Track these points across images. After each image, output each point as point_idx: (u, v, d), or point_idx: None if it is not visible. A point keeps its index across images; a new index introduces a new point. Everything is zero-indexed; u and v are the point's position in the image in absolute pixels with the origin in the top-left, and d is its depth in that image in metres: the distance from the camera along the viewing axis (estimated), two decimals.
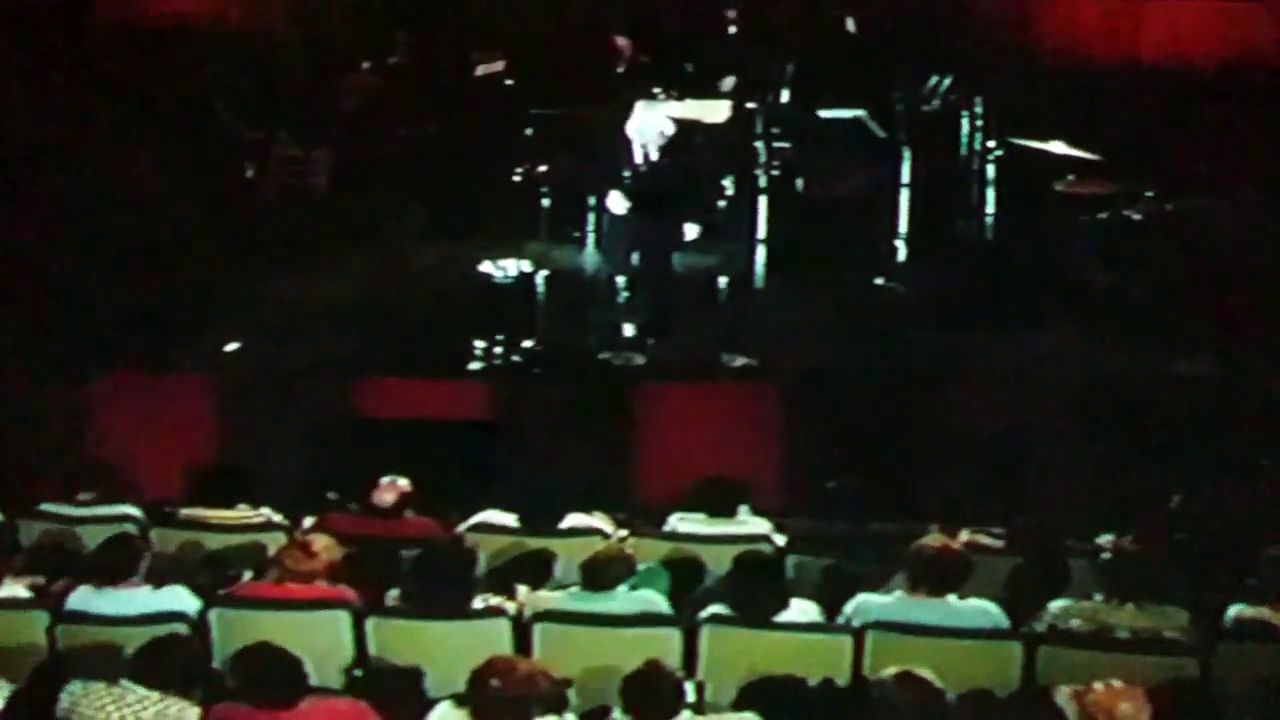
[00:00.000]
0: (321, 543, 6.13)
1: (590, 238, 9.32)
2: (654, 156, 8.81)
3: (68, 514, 6.91)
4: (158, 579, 6.05)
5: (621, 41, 10.34)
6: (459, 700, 5.10)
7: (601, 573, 6.02)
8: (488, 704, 4.93)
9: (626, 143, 8.87)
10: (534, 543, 6.71)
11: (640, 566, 6.25)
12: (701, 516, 6.91)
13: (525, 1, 10.01)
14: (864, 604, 5.98)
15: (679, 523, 6.95)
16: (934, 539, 6.11)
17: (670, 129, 8.96)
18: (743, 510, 6.99)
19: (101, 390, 8.58)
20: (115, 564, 6.02)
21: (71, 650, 5.76)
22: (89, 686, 5.07)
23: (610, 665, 5.54)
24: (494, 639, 5.84)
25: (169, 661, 5.17)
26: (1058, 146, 9.52)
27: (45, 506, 7.00)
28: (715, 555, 6.54)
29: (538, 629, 5.88)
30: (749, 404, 8.55)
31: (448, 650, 5.78)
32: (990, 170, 9.85)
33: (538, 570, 6.43)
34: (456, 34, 10.38)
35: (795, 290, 9.34)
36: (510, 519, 6.93)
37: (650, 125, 8.81)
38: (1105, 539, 6.73)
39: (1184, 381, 8.32)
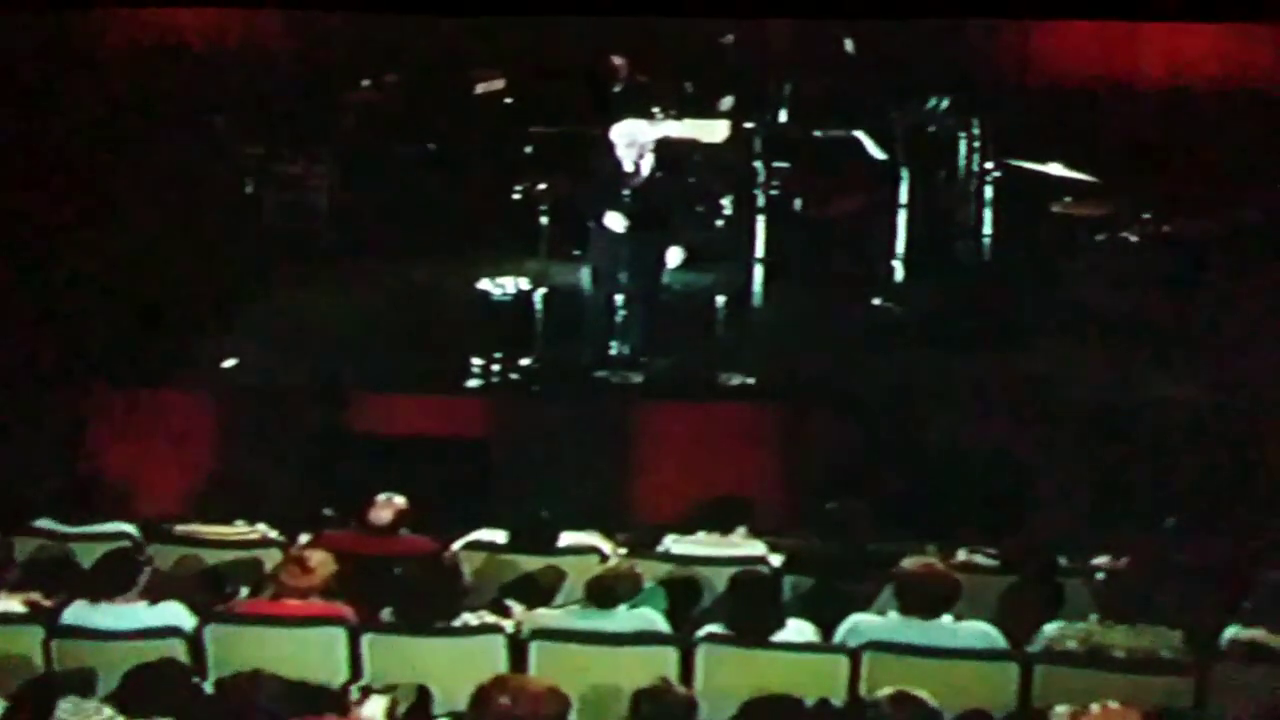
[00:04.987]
0: (318, 558, 6.13)
1: (589, 256, 9.32)
2: (645, 173, 8.82)
3: (63, 530, 6.91)
4: (154, 595, 6.05)
5: (618, 61, 10.37)
6: (460, 718, 5.08)
7: (608, 590, 6.02)
8: None
9: (623, 160, 8.88)
10: (529, 561, 6.71)
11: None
12: (696, 537, 6.89)
13: (524, 20, 10.02)
14: (859, 624, 5.98)
15: (673, 544, 6.93)
16: (916, 561, 6.10)
17: (653, 142, 8.98)
18: (739, 531, 6.99)
19: (98, 406, 8.57)
20: (114, 578, 6.01)
21: (66, 666, 5.75)
22: (81, 705, 5.05)
23: (606, 684, 5.55)
24: (489, 657, 5.83)
25: (157, 689, 5.13)
26: (1055, 168, 9.54)
27: (41, 522, 6.99)
28: (712, 576, 6.54)
29: (534, 646, 5.88)
30: (746, 423, 8.55)
31: (443, 668, 5.77)
32: (988, 191, 9.86)
33: (543, 591, 6.43)
34: (456, 52, 10.39)
35: (793, 309, 9.35)
36: (504, 537, 6.93)
37: (637, 140, 8.82)
38: (1101, 559, 6.73)
39: (1180, 402, 8.33)
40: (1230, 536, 6.96)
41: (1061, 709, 4.92)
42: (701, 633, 5.93)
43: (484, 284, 8.99)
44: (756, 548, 6.89)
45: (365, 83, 10.52)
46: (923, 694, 4.91)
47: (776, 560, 6.80)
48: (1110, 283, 9.24)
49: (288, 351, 8.89)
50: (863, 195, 9.91)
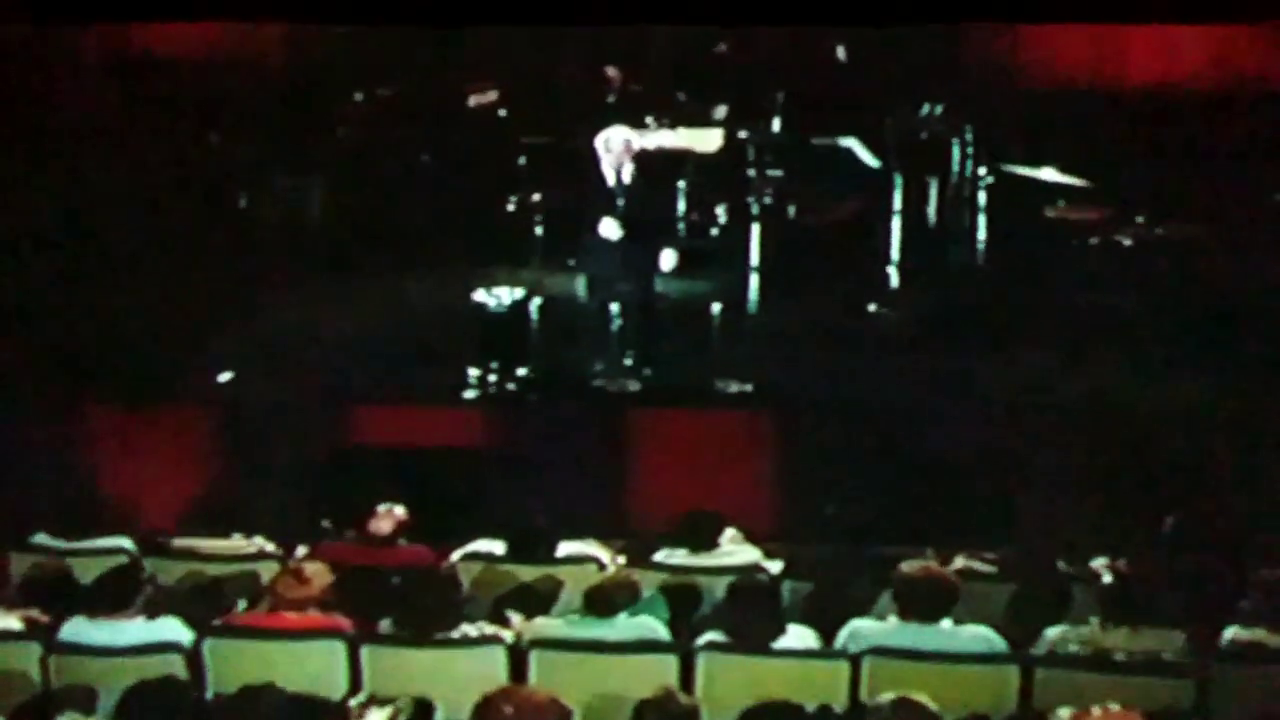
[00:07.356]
0: (313, 569, 6.13)
1: (584, 265, 9.32)
2: (639, 181, 8.82)
3: (60, 546, 6.89)
4: (151, 610, 6.03)
5: (612, 71, 10.38)
6: None
7: (606, 599, 6.01)
8: None
9: (618, 169, 8.87)
10: (528, 571, 6.70)
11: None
12: (684, 552, 6.87)
13: (518, 32, 10.03)
14: (859, 629, 5.97)
15: (666, 559, 6.90)
16: (914, 564, 6.09)
17: (646, 150, 8.97)
18: (732, 538, 6.97)
19: (94, 421, 8.57)
20: (114, 595, 5.99)
21: (63, 682, 5.73)
22: None
23: (607, 692, 5.53)
24: (490, 667, 5.82)
25: (157, 706, 5.11)
26: (1048, 173, 9.55)
27: (38, 538, 6.98)
28: (711, 583, 6.53)
29: (534, 656, 5.87)
30: (743, 430, 8.55)
31: (443, 679, 5.76)
32: (981, 197, 9.87)
33: (542, 600, 6.42)
34: (449, 64, 10.40)
35: (789, 316, 9.35)
36: (502, 547, 6.92)
37: (630, 148, 8.82)
38: (1100, 562, 6.73)
39: (1176, 404, 8.33)
40: (1229, 537, 6.96)
41: (1063, 712, 4.91)
42: (701, 640, 5.92)
43: (480, 294, 8.99)
44: (749, 556, 6.88)
45: (358, 95, 10.52)
46: (924, 698, 4.90)
47: (774, 566, 6.79)
48: (1105, 286, 9.25)
49: (284, 364, 8.88)
50: (857, 202, 9.92)
